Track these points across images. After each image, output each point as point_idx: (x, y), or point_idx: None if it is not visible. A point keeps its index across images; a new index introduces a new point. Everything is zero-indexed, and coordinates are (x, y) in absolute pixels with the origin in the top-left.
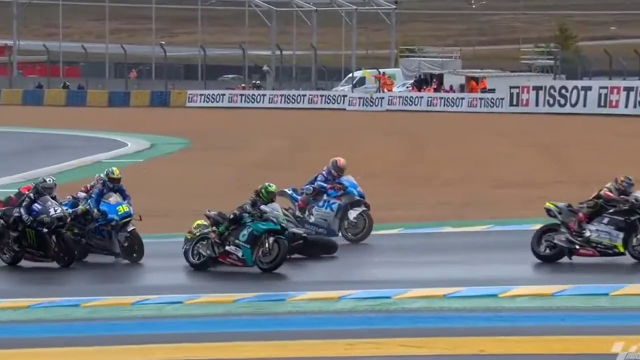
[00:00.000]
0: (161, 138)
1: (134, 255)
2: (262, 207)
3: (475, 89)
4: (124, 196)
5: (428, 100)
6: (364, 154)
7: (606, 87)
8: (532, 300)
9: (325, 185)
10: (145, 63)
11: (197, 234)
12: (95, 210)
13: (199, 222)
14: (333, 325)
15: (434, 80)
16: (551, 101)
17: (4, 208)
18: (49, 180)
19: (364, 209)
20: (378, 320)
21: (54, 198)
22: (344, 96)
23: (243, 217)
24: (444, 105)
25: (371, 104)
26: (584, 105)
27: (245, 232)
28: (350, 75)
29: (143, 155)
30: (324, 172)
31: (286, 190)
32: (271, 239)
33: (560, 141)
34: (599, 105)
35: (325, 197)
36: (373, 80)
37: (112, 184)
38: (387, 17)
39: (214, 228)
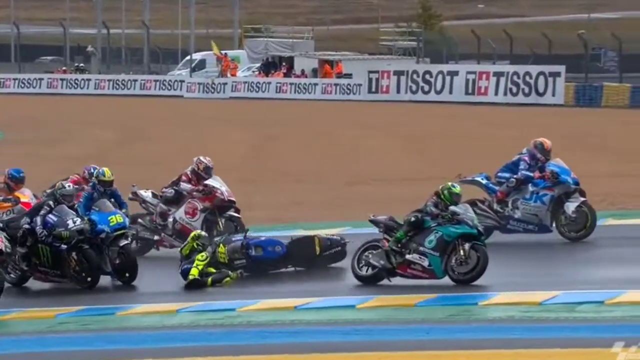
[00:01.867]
0: None
1: (127, 274)
2: (453, 208)
3: (330, 73)
4: (119, 203)
5: (277, 86)
6: (206, 146)
7: (474, 72)
8: (394, 311)
9: (531, 174)
10: None
11: (195, 246)
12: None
13: (194, 233)
14: (170, 342)
15: (284, 63)
16: (414, 87)
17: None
18: (68, 186)
19: (583, 199)
20: (220, 336)
21: (71, 207)
22: (182, 81)
23: (425, 220)
24: (295, 92)
25: (212, 90)
26: (450, 92)
27: (432, 237)
28: (189, 57)
29: None
30: (525, 158)
31: (478, 178)
32: (467, 245)
33: (424, 132)
34: (467, 93)
35: (531, 187)
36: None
37: (104, 188)
38: None
39: (385, 235)
